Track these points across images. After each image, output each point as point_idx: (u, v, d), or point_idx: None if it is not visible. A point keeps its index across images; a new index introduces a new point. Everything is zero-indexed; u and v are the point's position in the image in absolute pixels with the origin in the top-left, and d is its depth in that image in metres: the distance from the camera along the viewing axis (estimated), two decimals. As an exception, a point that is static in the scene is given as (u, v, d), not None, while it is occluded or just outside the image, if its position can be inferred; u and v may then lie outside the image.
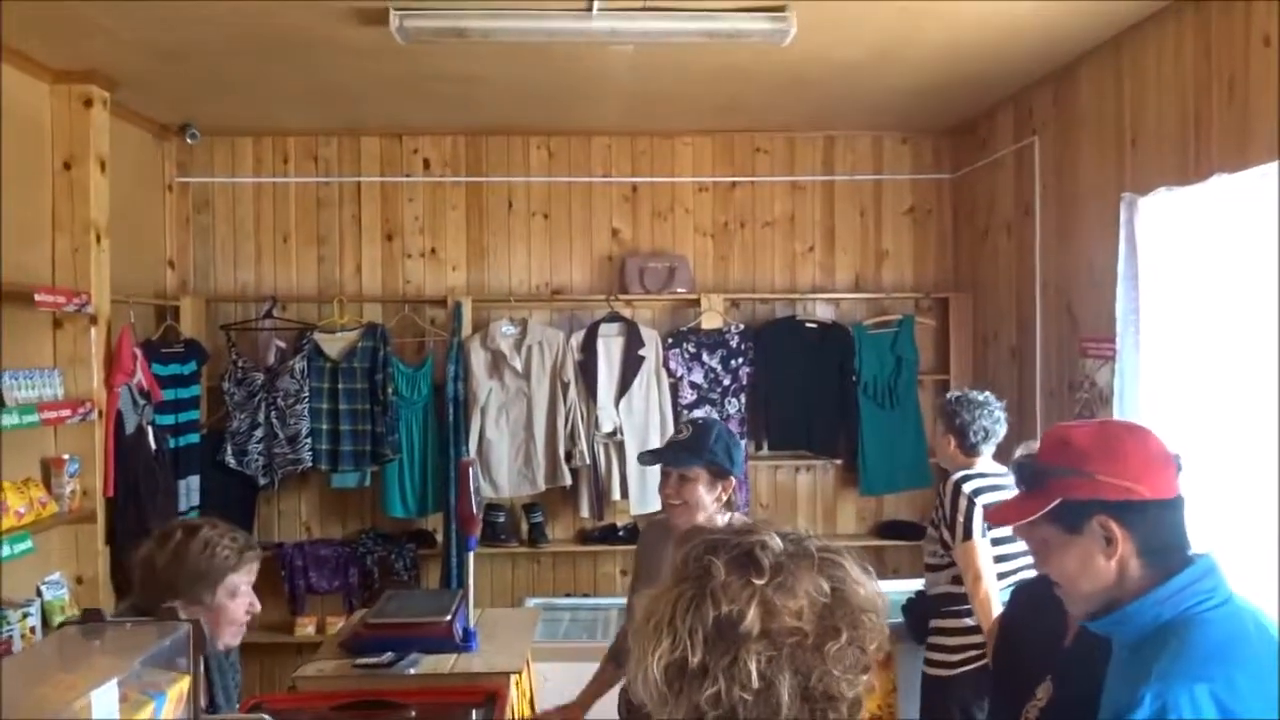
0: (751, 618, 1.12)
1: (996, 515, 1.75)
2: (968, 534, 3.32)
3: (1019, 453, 2.05)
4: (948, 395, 3.65)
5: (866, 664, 1.16)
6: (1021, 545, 3.18)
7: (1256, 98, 3.03)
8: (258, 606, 2.38)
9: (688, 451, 2.63)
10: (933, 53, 4.03)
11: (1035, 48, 3.98)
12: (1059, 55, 4.09)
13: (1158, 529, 1.55)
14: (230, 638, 2.31)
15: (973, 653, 3.34)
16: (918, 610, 3.66)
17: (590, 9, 3.39)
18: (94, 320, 4.01)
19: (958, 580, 3.38)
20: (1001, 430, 3.48)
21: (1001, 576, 3.29)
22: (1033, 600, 2.15)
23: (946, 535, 3.40)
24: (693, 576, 1.16)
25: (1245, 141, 3.07)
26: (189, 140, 5.08)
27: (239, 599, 2.29)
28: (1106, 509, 1.54)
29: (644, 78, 4.34)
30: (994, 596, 3.24)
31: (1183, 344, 3.39)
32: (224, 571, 2.24)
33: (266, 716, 1.48)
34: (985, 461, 3.48)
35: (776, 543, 1.17)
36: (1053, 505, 1.58)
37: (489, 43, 3.64)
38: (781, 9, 3.44)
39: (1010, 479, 3.40)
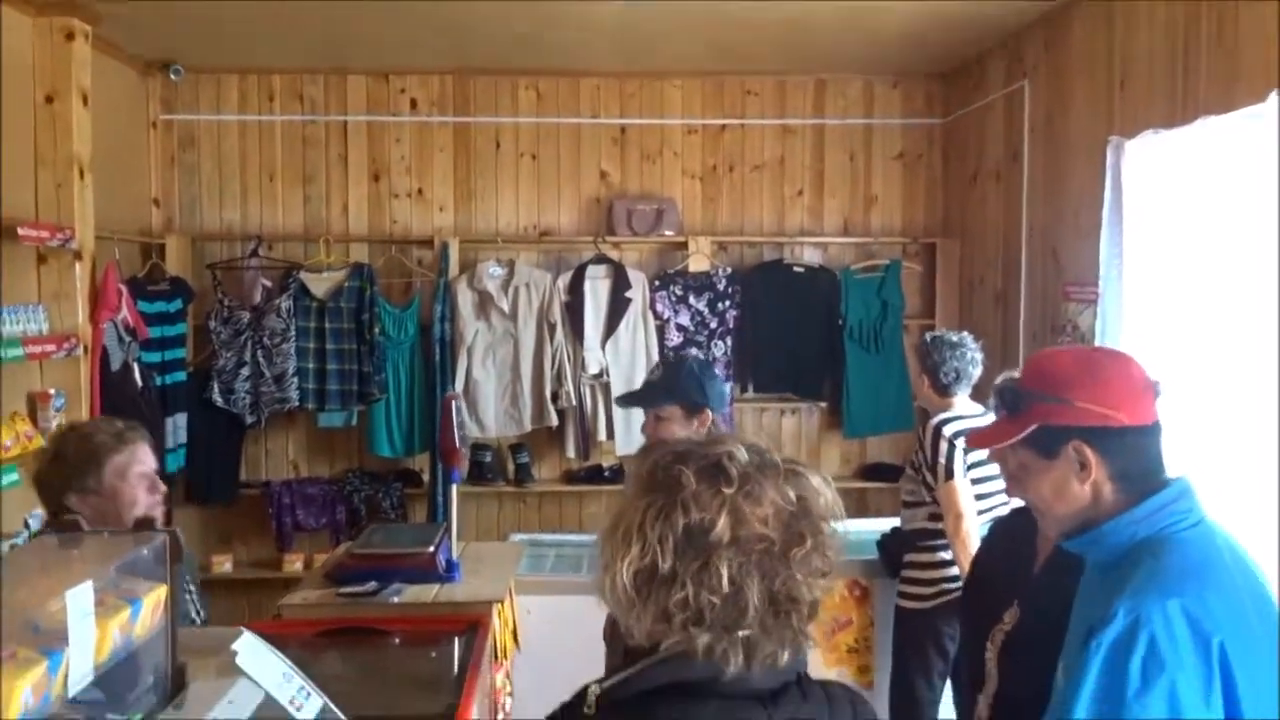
0: (722, 525, 1.15)
1: (977, 439, 1.79)
2: (949, 475, 3.37)
3: (1001, 378, 2.08)
4: (924, 335, 3.68)
5: (826, 569, 1.20)
6: (999, 484, 3.22)
7: (1246, 38, 3.02)
8: (162, 486, 2.38)
9: (660, 390, 2.67)
10: (923, -7, 4.00)
11: (1026, -12, 3.95)
12: (1050, -3, 4.06)
13: (1134, 454, 1.58)
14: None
15: (946, 586, 3.40)
16: (893, 545, 3.71)
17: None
18: (78, 256, 3.99)
19: (934, 517, 3.43)
20: (975, 371, 3.52)
21: (980, 514, 3.34)
22: (1006, 533, 2.20)
23: (929, 477, 3.45)
24: (662, 485, 1.19)
25: (1233, 83, 3.07)
26: (173, 77, 5.04)
27: (130, 480, 2.29)
28: (1083, 435, 1.56)
29: (634, 18, 4.30)
30: (975, 535, 3.29)
31: (1165, 287, 3.41)
32: (104, 454, 2.26)
33: (244, 629, 1.50)
34: (963, 402, 3.52)
35: (743, 453, 1.20)
36: (1030, 430, 1.61)
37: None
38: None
39: (987, 419, 3.45)
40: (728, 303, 5.22)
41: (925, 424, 3.53)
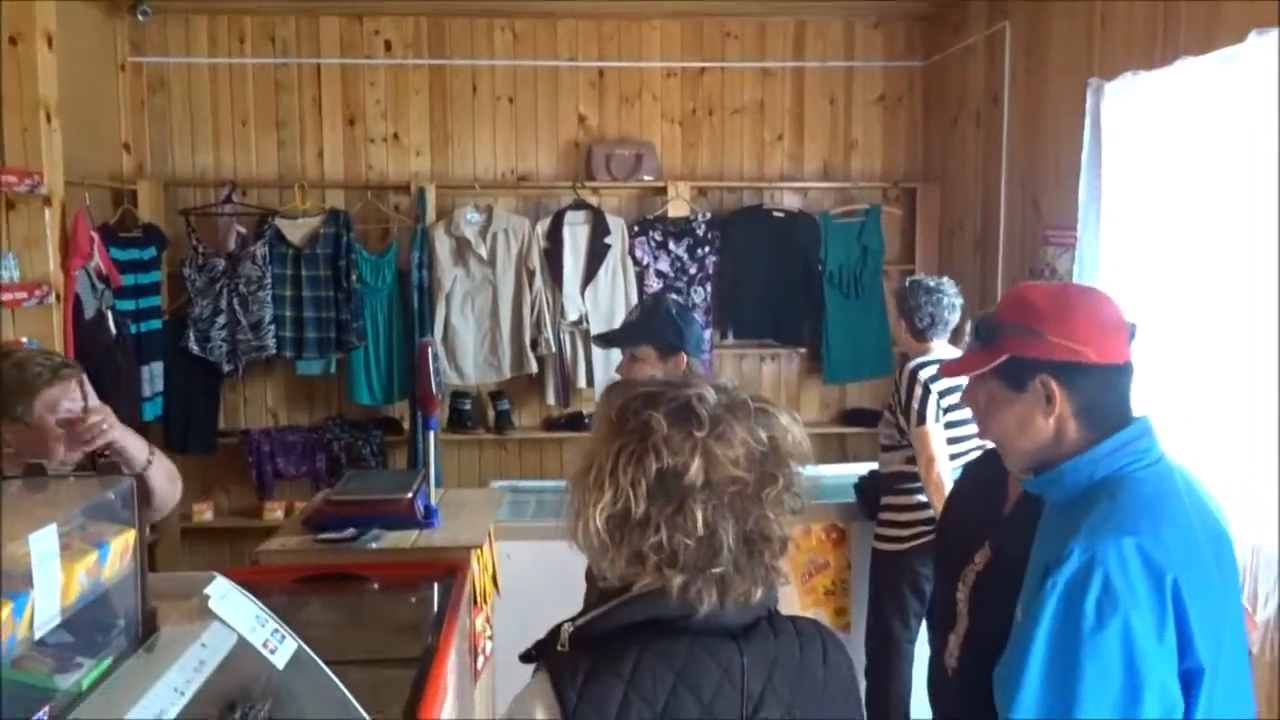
0: (695, 469, 1.15)
1: (947, 368, 1.80)
2: (921, 419, 3.39)
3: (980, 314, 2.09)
4: (906, 285, 3.66)
5: (797, 507, 1.21)
6: (974, 429, 3.24)
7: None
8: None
9: (635, 331, 2.67)
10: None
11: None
12: (1032, -65, 4.01)
13: (1100, 393, 1.57)
14: (65, 453, 2.32)
15: (922, 528, 3.43)
16: (870, 488, 3.74)
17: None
18: (48, 202, 3.92)
19: (911, 460, 3.45)
20: (953, 317, 3.52)
21: (953, 458, 3.36)
22: (978, 475, 2.21)
23: (902, 421, 3.47)
24: (633, 429, 1.18)
25: (1212, 23, 3.05)
26: (140, 17, 4.93)
27: (60, 415, 2.29)
28: (1051, 369, 1.56)
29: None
30: (946, 479, 3.31)
31: (1143, 230, 3.41)
32: (37, 386, 2.26)
33: (217, 574, 1.50)
34: (941, 347, 3.52)
35: (711, 394, 1.20)
36: (1000, 361, 1.60)
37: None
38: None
39: (966, 363, 3.46)
40: (707, 248, 5.19)
41: (903, 368, 3.54)
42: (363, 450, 5.14)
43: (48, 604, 1.08)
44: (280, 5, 5.06)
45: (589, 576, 2.73)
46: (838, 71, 5.42)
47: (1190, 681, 1.44)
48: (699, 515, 1.15)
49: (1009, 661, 1.49)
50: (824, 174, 5.45)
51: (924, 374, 3.42)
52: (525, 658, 1.25)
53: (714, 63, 5.36)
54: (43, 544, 1.06)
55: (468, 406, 5.25)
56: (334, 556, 2.87)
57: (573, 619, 1.24)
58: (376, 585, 2.81)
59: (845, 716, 1.30)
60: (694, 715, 1.17)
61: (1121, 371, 1.59)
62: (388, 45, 5.23)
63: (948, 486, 3.24)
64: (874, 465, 3.84)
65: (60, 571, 1.11)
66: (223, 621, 1.45)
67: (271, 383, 5.32)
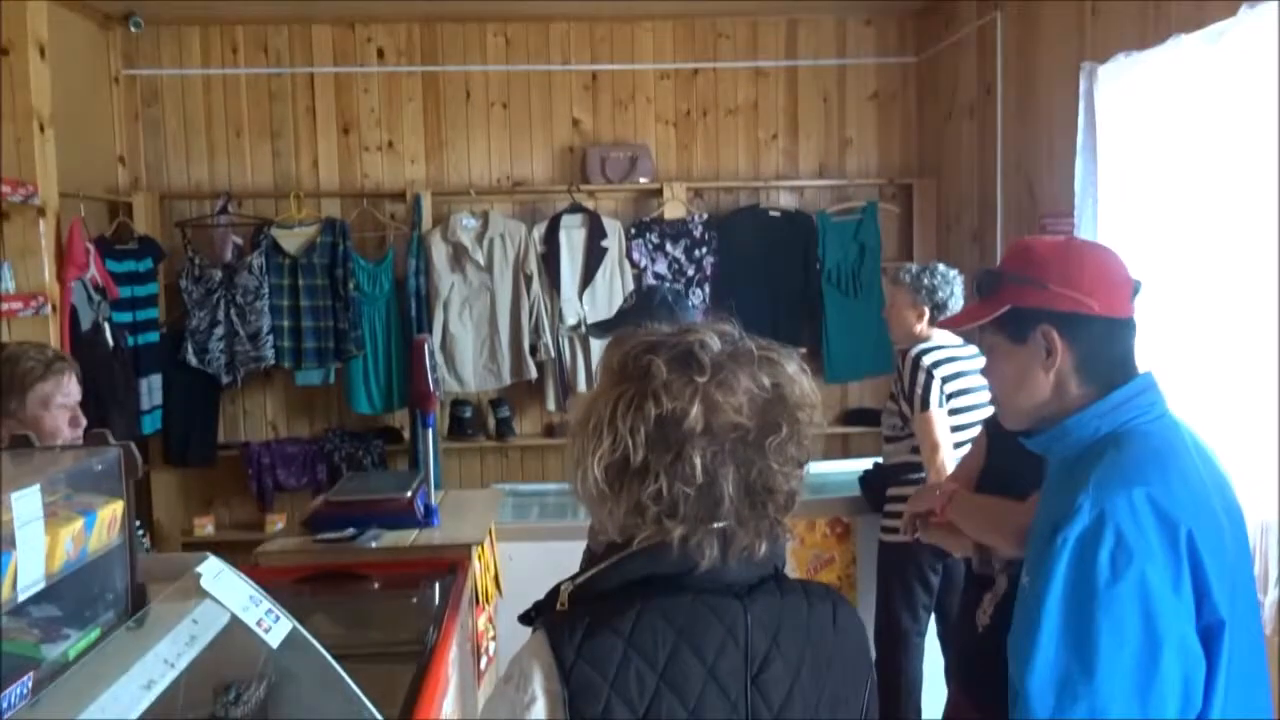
0: (695, 415, 1.12)
1: (950, 320, 1.77)
2: (925, 405, 3.36)
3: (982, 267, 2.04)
4: (915, 270, 3.60)
5: (803, 459, 1.18)
6: (979, 415, 3.21)
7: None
8: (82, 420, 2.39)
9: (631, 318, 2.65)
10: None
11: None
12: (1021, -76, 4.01)
13: (1102, 346, 1.53)
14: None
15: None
16: (875, 481, 3.71)
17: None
18: (42, 212, 3.91)
19: (916, 450, 3.42)
20: (956, 305, 3.49)
21: (957, 446, 3.33)
22: (1005, 434, 2.13)
23: (905, 408, 3.44)
24: (633, 376, 1.16)
25: None
26: (133, 29, 4.93)
27: (53, 410, 2.31)
28: (1053, 319, 1.53)
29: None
30: (950, 466, 3.27)
31: (1140, 213, 3.38)
32: (30, 381, 2.27)
33: (209, 554, 1.48)
34: (940, 334, 3.50)
35: (715, 341, 1.17)
36: (1001, 312, 1.57)
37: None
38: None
39: (966, 349, 3.44)
40: (705, 249, 5.18)
41: (905, 356, 3.51)
42: (363, 460, 5.10)
43: (31, 566, 1.06)
44: (272, 14, 5.07)
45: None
46: (831, 69, 5.41)
47: (1210, 637, 1.38)
48: (698, 462, 1.12)
49: (1020, 628, 1.44)
50: (819, 172, 5.43)
51: (927, 360, 3.39)
52: (524, 619, 1.22)
53: (707, 63, 5.36)
54: (25, 504, 1.04)
55: (468, 414, 5.22)
56: (333, 556, 2.84)
57: (573, 577, 1.21)
58: (377, 584, 2.77)
59: (856, 681, 1.25)
60: (696, 674, 1.13)
61: (1125, 326, 1.56)
62: (380, 53, 5.23)
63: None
64: (878, 460, 3.80)
65: (45, 536, 1.09)
66: (215, 599, 1.42)
67: (271, 394, 5.30)
